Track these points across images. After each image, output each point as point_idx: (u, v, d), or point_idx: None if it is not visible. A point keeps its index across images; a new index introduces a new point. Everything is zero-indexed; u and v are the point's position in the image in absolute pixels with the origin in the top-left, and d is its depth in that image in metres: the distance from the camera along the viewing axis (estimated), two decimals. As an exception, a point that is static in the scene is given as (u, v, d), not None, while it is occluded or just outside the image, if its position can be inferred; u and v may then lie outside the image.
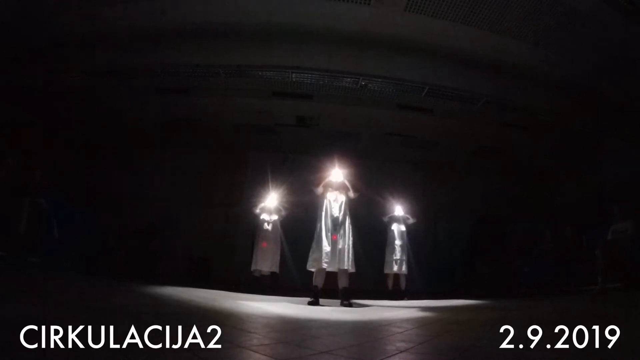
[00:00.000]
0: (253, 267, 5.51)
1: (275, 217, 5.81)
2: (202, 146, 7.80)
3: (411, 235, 5.87)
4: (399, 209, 5.80)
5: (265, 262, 5.50)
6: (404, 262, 5.47)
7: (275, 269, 5.60)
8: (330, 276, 3.87)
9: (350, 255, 3.85)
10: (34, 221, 4.87)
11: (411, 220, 5.83)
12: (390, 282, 5.50)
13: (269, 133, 7.23)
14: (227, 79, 5.52)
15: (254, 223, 6.01)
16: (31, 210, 4.87)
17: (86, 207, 6.31)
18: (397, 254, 5.48)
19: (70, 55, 5.18)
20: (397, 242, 5.55)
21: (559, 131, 6.41)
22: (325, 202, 4.04)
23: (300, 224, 6.46)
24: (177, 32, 4.83)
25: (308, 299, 3.60)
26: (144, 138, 7.55)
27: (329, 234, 3.84)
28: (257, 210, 5.87)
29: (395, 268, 5.45)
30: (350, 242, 3.92)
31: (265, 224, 5.72)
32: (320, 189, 4.11)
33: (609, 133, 6.28)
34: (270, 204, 5.87)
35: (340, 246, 3.81)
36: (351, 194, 4.11)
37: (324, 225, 3.89)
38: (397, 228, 5.66)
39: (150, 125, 7.09)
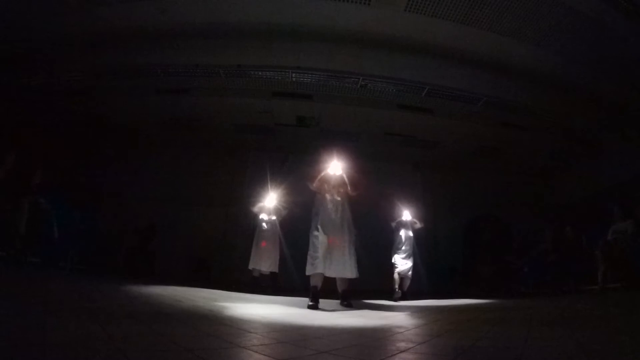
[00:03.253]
0: (251, 266, 5.51)
1: (274, 217, 5.80)
2: (202, 146, 7.80)
3: (415, 236, 5.81)
4: (406, 214, 5.70)
5: (264, 261, 5.50)
6: (410, 268, 5.45)
7: (274, 268, 5.60)
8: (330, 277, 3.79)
9: (353, 262, 3.52)
10: (34, 221, 4.87)
11: (419, 225, 5.75)
12: (397, 285, 5.40)
13: (269, 133, 7.23)
14: (227, 79, 5.52)
15: (254, 222, 6.00)
16: (31, 210, 4.87)
17: (86, 207, 6.31)
18: (404, 260, 5.44)
19: (70, 55, 5.17)
20: (404, 248, 5.49)
21: (559, 131, 6.41)
22: (321, 200, 3.65)
23: (302, 224, 6.46)
24: (177, 32, 4.83)
25: (308, 301, 3.41)
26: (144, 138, 7.55)
27: (324, 238, 3.49)
28: (256, 210, 5.86)
29: (402, 271, 5.42)
30: (353, 248, 3.55)
31: (264, 224, 5.73)
32: (315, 184, 3.65)
33: (609, 133, 6.28)
34: (269, 204, 5.87)
35: (340, 252, 3.47)
36: (350, 191, 3.69)
37: (319, 227, 3.52)
38: (404, 234, 5.57)
39: (150, 125, 7.09)
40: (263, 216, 5.77)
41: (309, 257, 3.60)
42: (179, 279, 5.72)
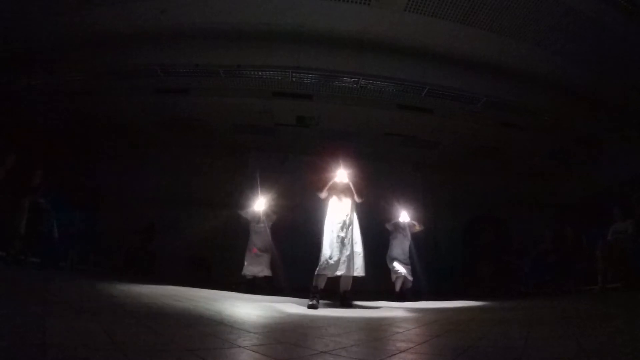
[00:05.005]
0: (244, 272, 5.47)
1: (262, 224, 5.64)
2: (202, 146, 7.80)
3: (412, 238, 5.68)
4: (404, 215, 5.53)
5: (256, 267, 5.43)
6: (409, 271, 5.38)
7: (267, 272, 5.51)
8: (331, 277, 3.81)
9: (361, 260, 3.76)
10: (33, 221, 4.88)
11: (418, 228, 5.60)
12: (397, 288, 5.34)
13: (269, 133, 7.22)
14: (227, 79, 5.52)
15: (245, 226, 5.95)
16: (31, 210, 4.88)
17: (86, 207, 6.32)
18: (402, 264, 5.34)
19: (70, 55, 5.17)
20: (402, 252, 5.37)
21: (559, 131, 6.41)
22: (331, 206, 3.87)
23: (301, 226, 6.45)
24: (177, 32, 4.83)
25: (308, 301, 3.46)
26: (144, 138, 7.55)
27: (335, 241, 3.70)
28: (244, 215, 5.79)
29: (401, 275, 5.37)
30: (361, 248, 3.79)
31: (255, 230, 5.63)
32: (324, 193, 3.93)
33: (609, 133, 6.28)
34: (259, 208, 5.72)
35: (349, 252, 3.69)
36: (357, 198, 3.93)
37: (331, 231, 3.74)
38: (401, 237, 5.43)
39: (150, 125, 7.09)
40: (253, 222, 5.69)
41: (322, 257, 3.69)
42: (178, 279, 5.72)
